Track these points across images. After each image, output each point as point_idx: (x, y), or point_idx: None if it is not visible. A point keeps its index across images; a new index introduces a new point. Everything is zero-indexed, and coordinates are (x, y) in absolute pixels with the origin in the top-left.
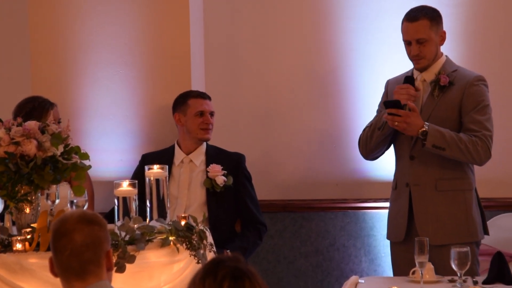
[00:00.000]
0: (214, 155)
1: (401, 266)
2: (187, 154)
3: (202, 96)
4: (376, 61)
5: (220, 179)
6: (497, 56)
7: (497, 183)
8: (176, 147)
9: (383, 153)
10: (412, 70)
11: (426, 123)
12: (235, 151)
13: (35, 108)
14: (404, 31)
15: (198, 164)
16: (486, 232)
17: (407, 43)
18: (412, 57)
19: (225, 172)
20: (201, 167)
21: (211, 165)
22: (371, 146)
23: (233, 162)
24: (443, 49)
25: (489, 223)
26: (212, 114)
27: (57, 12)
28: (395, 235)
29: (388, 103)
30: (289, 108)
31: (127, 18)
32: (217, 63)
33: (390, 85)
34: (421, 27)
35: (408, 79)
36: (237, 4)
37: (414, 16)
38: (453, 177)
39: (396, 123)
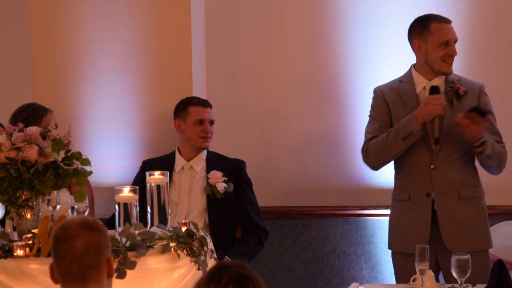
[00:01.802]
0: (215, 161)
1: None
2: (188, 160)
3: (203, 104)
4: (376, 67)
5: (221, 186)
6: (500, 63)
7: (498, 191)
8: (177, 153)
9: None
10: (407, 75)
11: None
12: (235, 157)
13: (29, 115)
14: (443, 32)
15: (198, 171)
16: None
17: (445, 44)
18: (448, 58)
19: (226, 178)
20: (201, 173)
21: (211, 171)
22: (388, 157)
23: (233, 169)
24: None
25: (490, 230)
26: (212, 122)
27: (58, 18)
28: (412, 247)
29: (475, 110)
30: (290, 115)
31: (129, 24)
32: (218, 69)
33: (386, 94)
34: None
35: (434, 89)
36: (238, 10)
37: (447, 19)
38: (472, 184)
39: (470, 129)
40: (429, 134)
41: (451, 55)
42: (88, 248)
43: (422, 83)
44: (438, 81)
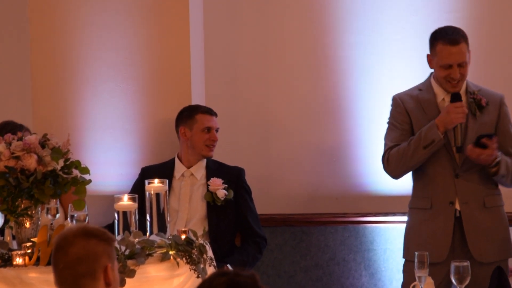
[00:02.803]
0: (215, 169)
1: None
2: (188, 167)
3: (210, 112)
4: (376, 75)
5: (221, 193)
6: (498, 69)
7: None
8: (177, 160)
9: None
10: (427, 84)
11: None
12: (235, 165)
13: (8, 132)
14: (445, 55)
15: (199, 178)
16: None
17: (447, 67)
18: (451, 80)
19: (226, 185)
20: (201, 180)
21: (212, 178)
22: (410, 165)
23: (233, 176)
24: None
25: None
26: (217, 130)
27: (58, 27)
28: (436, 256)
29: (484, 136)
30: (289, 122)
31: (127, 33)
32: (217, 77)
33: (406, 102)
34: (463, 50)
35: (456, 96)
36: (237, 18)
37: (454, 40)
38: (495, 193)
39: (483, 156)
40: (451, 143)
41: (453, 78)
42: (80, 256)
43: (441, 95)
44: (460, 90)
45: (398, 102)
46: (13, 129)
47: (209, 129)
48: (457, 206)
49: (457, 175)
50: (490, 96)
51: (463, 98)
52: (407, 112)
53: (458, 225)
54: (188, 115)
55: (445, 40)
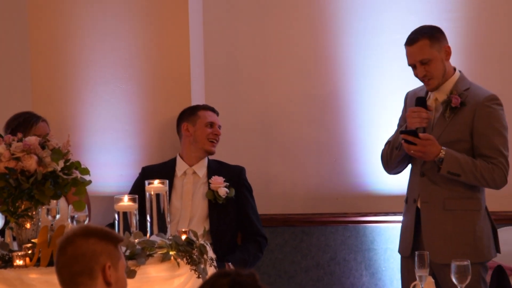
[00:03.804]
0: (216, 168)
1: (409, 280)
2: (190, 166)
3: (212, 109)
4: (376, 75)
5: (222, 191)
6: (497, 69)
7: (500, 196)
8: (179, 158)
9: (405, 168)
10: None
11: (443, 148)
12: (235, 165)
13: (20, 124)
14: (407, 55)
15: (201, 176)
16: (498, 250)
17: (413, 67)
18: (420, 79)
19: (227, 184)
20: (203, 179)
21: (213, 177)
22: (391, 163)
23: (234, 175)
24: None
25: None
26: (219, 127)
27: (58, 28)
28: (403, 250)
29: (403, 132)
30: (289, 122)
31: (128, 34)
32: (217, 78)
33: (409, 98)
34: (421, 48)
35: (419, 100)
36: (236, 19)
37: (412, 39)
38: (462, 196)
39: (412, 151)
40: None
41: (419, 77)
42: (76, 254)
43: (432, 93)
44: (443, 92)
45: (405, 100)
46: (26, 120)
47: (212, 124)
48: (419, 204)
49: (422, 173)
50: (473, 96)
51: (444, 97)
52: (407, 110)
53: (419, 223)
54: (191, 112)
55: (406, 42)
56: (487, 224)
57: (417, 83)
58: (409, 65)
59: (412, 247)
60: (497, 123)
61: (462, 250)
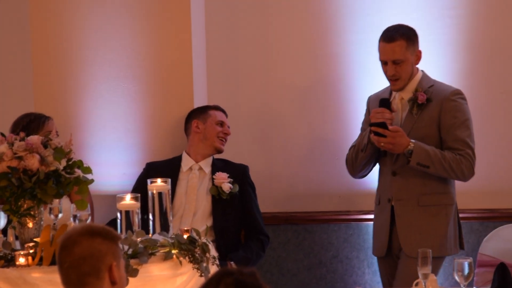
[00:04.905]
0: (220, 166)
1: (386, 281)
2: (196, 162)
3: (222, 110)
4: (377, 72)
5: (226, 186)
6: (501, 66)
7: (499, 194)
8: (185, 155)
9: (370, 171)
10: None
11: (412, 141)
12: (237, 163)
13: (31, 121)
14: (380, 51)
15: (207, 172)
16: (461, 247)
17: (384, 63)
18: (388, 77)
19: (231, 180)
20: (208, 175)
21: (217, 173)
22: (356, 166)
23: (238, 173)
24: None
25: (491, 234)
26: (229, 127)
27: (60, 26)
28: (378, 251)
29: (373, 124)
30: (291, 121)
31: (129, 32)
32: (219, 76)
33: (371, 102)
34: (398, 48)
35: (383, 101)
36: (238, 17)
37: (390, 37)
38: (435, 192)
39: (382, 144)
40: None
41: (387, 75)
42: (85, 255)
43: (397, 93)
44: (408, 91)
45: (367, 103)
46: (37, 118)
47: (222, 123)
48: (393, 203)
49: (394, 172)
50: (439, 92)
51: (410, 95)
52: (370, 113)
53: (395, 222)
54: (202, 110)
55: (383, 37)
56: (455, 219)
57: None
58: (381, 60)
59: (387, 247)
60: (463, 116)
61: (435, 243)
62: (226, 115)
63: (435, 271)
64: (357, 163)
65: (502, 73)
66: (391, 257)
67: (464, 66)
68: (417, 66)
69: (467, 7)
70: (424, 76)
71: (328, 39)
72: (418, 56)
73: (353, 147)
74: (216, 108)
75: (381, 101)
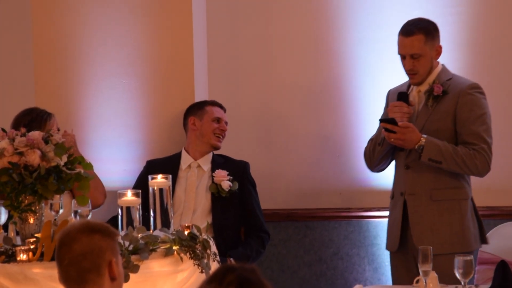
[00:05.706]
0: (220, 163)
1: (399, 276)
2: (195, 160)
3: (220, 105)
4: (378, 70)
5: (226, 184)
6: (503, 64)
7: (500, 191)
8: (184, 152)
9: (388, 165)
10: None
11: (424, 136)
12: (238, 159)
13: (33, 119)
14: (399, 44)
15: (206, 170)
16: (484, 241)
17: (402, 57)
18: (406, 71)
19: (231, 177)
20: (208, 173)
21: (216, 170)
22: (374, 160)
23: (238, 170)
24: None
25: (492, 231)
26: (226, 123)
27: (61, 23)
28: (391, 245)
29: (383, 120)
30: (293, 118)
31: (131, 29)
32: (220, 72)
33: (391, 95)
34: (416, 42)
35: (401, 95)
36: (240, 14)
37: (409, 30)
38: (448, 186)
39: (392, 139)
40: None
41: (406, 69)
42: (85, 252)
43: (415, 86)
44: (426, 83)
45: (387, 97)
46: (39, 115)
47: (218, 120)
48: (406, 197)
49: (407, 166)
50: (456, 85)
51: (425, 88)
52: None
53: (407, 216)
54: (199, 106)
55: (401, 30)
56: (473, 214)
57: None
58: (399, 54)
59: (399, 241)
60: (480, 110)
61: (450, 240)
62: (224, 110)
63: (448, 268)
64: (375, 157)
65: (504, 69)
66: (405, 252)
67: (465, 64)
68: (437, 60)
69: (469, 5)
70: (444, 69)
71: (329, 38)
72: (438, 51)
73: (371, 140)
74: (213, 103)
75: (399, 95)
